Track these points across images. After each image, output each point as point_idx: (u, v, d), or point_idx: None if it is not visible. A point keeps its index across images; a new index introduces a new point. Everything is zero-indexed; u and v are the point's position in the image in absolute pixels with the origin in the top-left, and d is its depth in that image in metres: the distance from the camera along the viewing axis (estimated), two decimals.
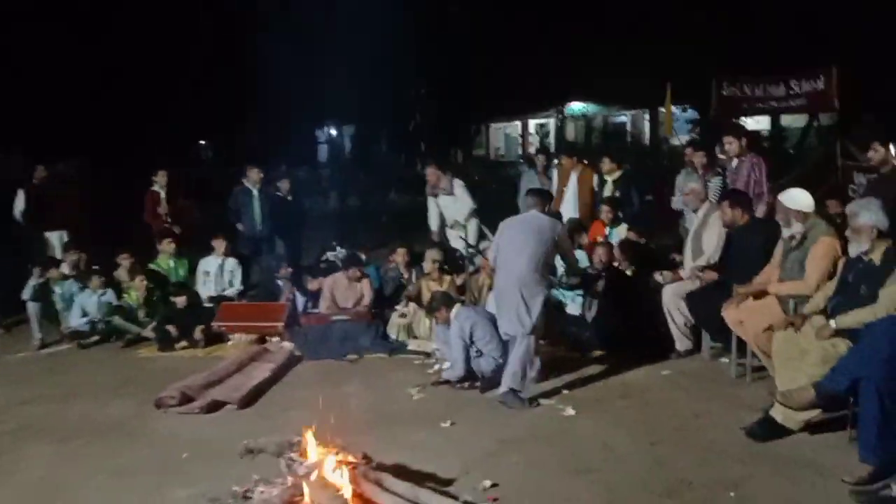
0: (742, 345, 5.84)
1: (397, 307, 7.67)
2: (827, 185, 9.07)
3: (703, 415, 5.17)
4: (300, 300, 8.02)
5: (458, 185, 8.89)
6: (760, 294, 5.52)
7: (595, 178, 8.92)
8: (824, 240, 5.19)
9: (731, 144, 7.09)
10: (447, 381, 5.93)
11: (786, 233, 5.41)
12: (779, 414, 4.68)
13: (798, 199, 5.31)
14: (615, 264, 7.30)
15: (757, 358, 5.76)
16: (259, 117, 18.76)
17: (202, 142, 24.87)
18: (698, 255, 6.58)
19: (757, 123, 23.34)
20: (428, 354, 6.83)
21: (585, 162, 9.19)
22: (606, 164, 8.78)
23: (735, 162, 7.14)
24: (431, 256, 7.55)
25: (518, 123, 32.72)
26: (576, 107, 29.55)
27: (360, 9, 17.70)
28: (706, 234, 6.52)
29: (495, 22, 22.12)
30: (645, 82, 24.03)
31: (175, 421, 5.44)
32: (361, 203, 19.32)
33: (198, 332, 7.45)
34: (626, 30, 21.53)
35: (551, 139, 29.37)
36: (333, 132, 30.84)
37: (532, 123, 32.35)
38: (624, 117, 32.05)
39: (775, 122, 23.87)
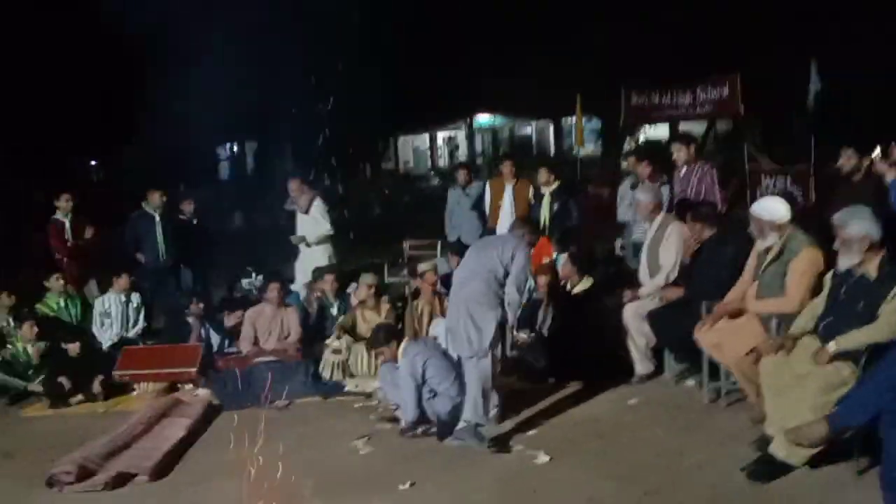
0: (714, 368, 5.39)
1: (327, 342, 6.89)
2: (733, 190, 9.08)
3: (690, 451, 4.65)
4: (215, 339, 7.11)
5: (318, 205, 8.37)
6: (737, 313, 5.07)
7: (531, 191, 8.41)
8: (807, 252, 4.77)
9: (680, 151, 6.69)
10: (394, 419, 5.24)
11: (760, 245, 4.98)
12: (781, 450, 4.19)
13: (773, 209, 4.88)
14: (563, 284, 6.76)
15: (731, 381, 5.33)
16: (151, 131, 17.38)
17: (93, 161, 23.13)
18: (655, 271, 6.11)
19: (655, 130, 23.87)
20: (369, 395, 6.07)
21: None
22: (543, 175, 8.28)
23: (684, 170, 6.75)
24: (366, 281, 6.80)
25: (426, 136, 32.26)
26: (483, 119, 29.37)
27: (262, 19, 16.82)
28: (664, 248, 6.05)
29: (402, 34, 21.62)
30: (550, 93, 24.32)
31: (72, 502, 4.49)
32: (271, 222, 18.18)
33: (96, 385, 6.42)
34: (531, 41, 21.63)
35: (461, 152, 29.03)
36: (236, 148, 29.45)
37: (440, 136, 31.96)
38: (529, 129, 32.17)
39: (673, 129, 24.43)
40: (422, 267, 6.87)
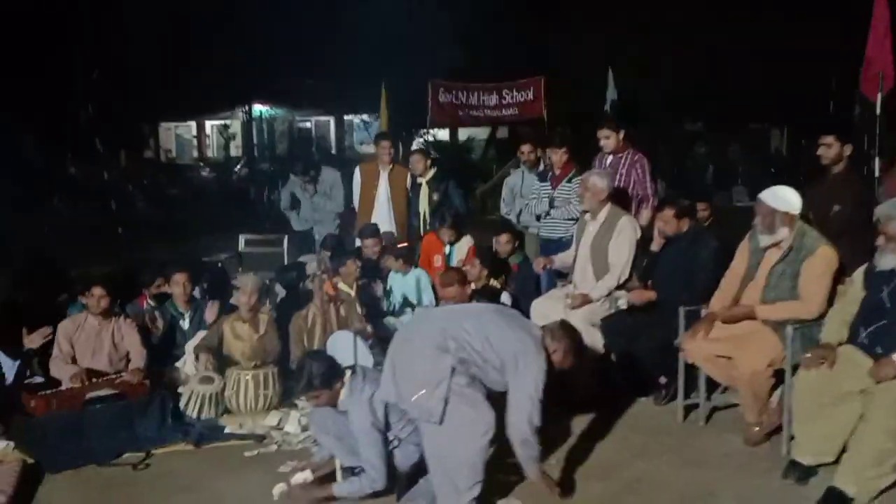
0: (691, 382, 4.67)
1: (180, 366, 5.17)
2: None
3: (716, 493, 3.82)
4: (7, 366, 5.03)
5: None
6: (732, 318, 4.36)
7: (409, 179, 7.24)
8: (824, 251, 4.16)
9: (609, 139, 5.90)
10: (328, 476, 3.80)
11: (764, 241, 4.31)
12: (850, 485, 3.51)
13: (787, 198, 4.23)
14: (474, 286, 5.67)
15: (710, 397, 4.65)
16: None
17: None
18: (601, 270, 5.26)
19: (436, 133, 23.84)
20: (261, 438, 4.51)
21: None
22: (419, 162, 7.16)
23: (610, 159, 5.99)
24: (247, 287, 5.16)
25: (192, 124, 29.26)
26: (260, 109, 27.31)
27: None
28: (614, 245, 5.21)
29: (166, 11, 19.11)
30: (332, 86, 23.19)
31: None
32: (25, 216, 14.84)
33: None
34: (312, 32, 20.36)
35: (237, 142, 26.64)
36: None
37: (210, 125, 29.17)
38: (308, 123, 30.63)
39: (454, 134, 24.59)
40: (310, 269, 5.37)
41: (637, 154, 5.94)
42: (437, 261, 6.43)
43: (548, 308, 5.28)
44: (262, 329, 5.21)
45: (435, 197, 7.07)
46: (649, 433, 4.57)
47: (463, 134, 24.63)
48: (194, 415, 4.72)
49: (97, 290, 5.00)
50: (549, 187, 6.30)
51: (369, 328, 5.20)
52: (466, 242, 6.42)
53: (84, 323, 5.06)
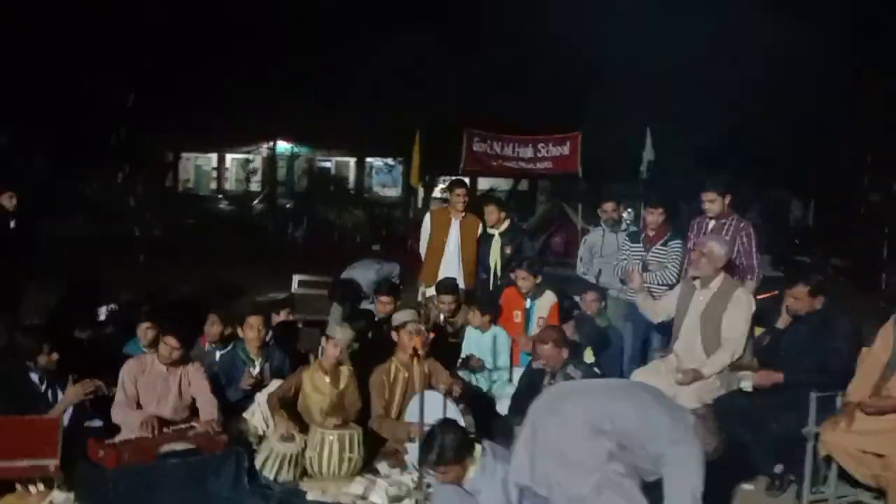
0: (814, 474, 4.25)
1: (248, 416, 4.75)
2: None
3: None
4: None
5: None
6: (880, 410, 3.96)
7: (479, 229, 6.89)
8: None
9: (714, 203, 5.55)
10: None
11: None
12: None
13: None
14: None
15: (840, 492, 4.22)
16: None
17: None
18: (712, 344, 4.87)
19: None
20: None
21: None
22: (492, 213, 6.78)
23: (711, 224, 5.63)
24: (335, 337, 4.74)
25: (213, 156, 29.09)
26: (282, 146, 27.22)
27: None
28: (728, 318, 4.83)
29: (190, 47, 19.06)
30: (355, 128, 23.15)
31: None
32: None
33: None
34: (337, 76, 20.20)
35: (258, 177, 26.42)
36: None
37: (229, 157, 28.99)
38: (329, 163, 30.50)
39: (473, 182, 24.45)
40: (400, 317, 4.96)
41: (743, 221, 5.59)
42: (517, 316, 6.01)
43: (650, 381, 4.87)
44: (343, 383, 4.79)
45: (508, 250, 6.70)
46: None
47: (483, 184, 24.45)
48: (271, 475, 4.27)
49: (171, 341, 4.58)
50: (642, 249, 5.95)
51: (457, 388, 4.75)
52: (549, 299, 6.02)
53: (151, 366, 4.64)
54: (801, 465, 4.26)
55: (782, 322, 4.78)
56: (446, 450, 3.20)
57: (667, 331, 5.69)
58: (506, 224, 6.80)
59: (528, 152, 10.70)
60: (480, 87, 18.58)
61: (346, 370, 4.86)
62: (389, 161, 26.91)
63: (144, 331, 5.11)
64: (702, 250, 4.97)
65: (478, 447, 3.29)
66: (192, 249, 14.92)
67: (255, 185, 26.51)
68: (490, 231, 6.76)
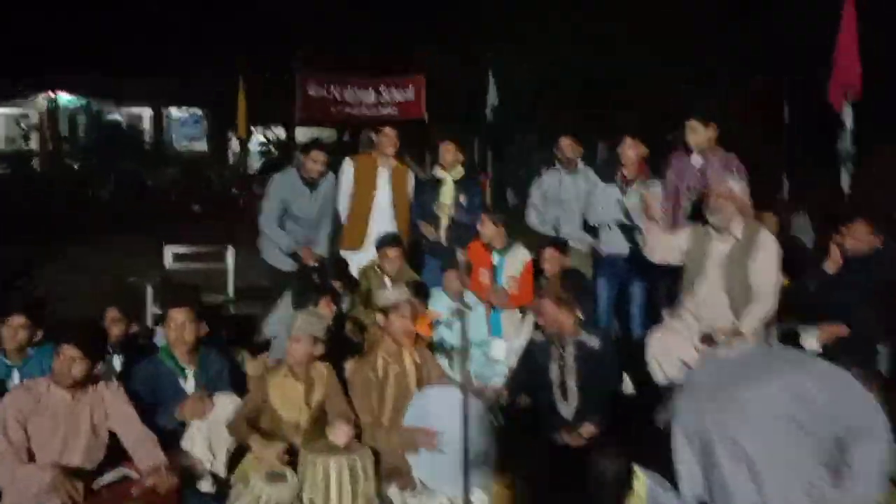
0: None
1: (185, 445, 3.43)
2: None
3: None
4: None
5: None
6: None
7: (411, 178, 5.78)
8: None
9: (696, 133, 4.89)
10: None
11: None
12: None
13: None
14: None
15: None
16: None
17: None
18: (741, 299, 4.22)
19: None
20: None
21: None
22: (450, 151, 5.57)
23: (698, 160, 4.96)
24: (307, 333, 3.48)
25: None
26: (65, 98, 23.69)
27: None
28: (757, 265, 4.19)
29: None
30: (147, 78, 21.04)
31: None
32: None
33: None
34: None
35: (39, 134, 22.73)
36: None
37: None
38: (118, 115, 27.09)
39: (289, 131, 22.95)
40: (390, 296, 3.78)
41: (730, 154, 4.96)
42: (484, 276, 5.05)
43: (674, 345, 4.17)
44: (322, 389, 3.58)
45: (462, 200, 5.54)
46: None
47: (301, 134, 22.83)
48: None
49: (70, 351, 3.13)
50: (616, 190, 5.19)
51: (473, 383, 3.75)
52: (522, 255, 5.11)
53: (47, 395, 3.15)
54: None
55: (832, 266, 4.23)
56: (605, 478, 2.25)
57: (647, 280, 5.09)
58: (460, 167, 5.68)
59: (370, 97, 9.97)
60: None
61: (321, 368, 3.64)
62: (197, 111, 24.42)
63: (14, 331, 3.56)
64: (719, 192, 4.28)
65: (636, 479, 2.36)
66: None
67: (34, 144, 22.88)
68: (439, 175, 5.64)
